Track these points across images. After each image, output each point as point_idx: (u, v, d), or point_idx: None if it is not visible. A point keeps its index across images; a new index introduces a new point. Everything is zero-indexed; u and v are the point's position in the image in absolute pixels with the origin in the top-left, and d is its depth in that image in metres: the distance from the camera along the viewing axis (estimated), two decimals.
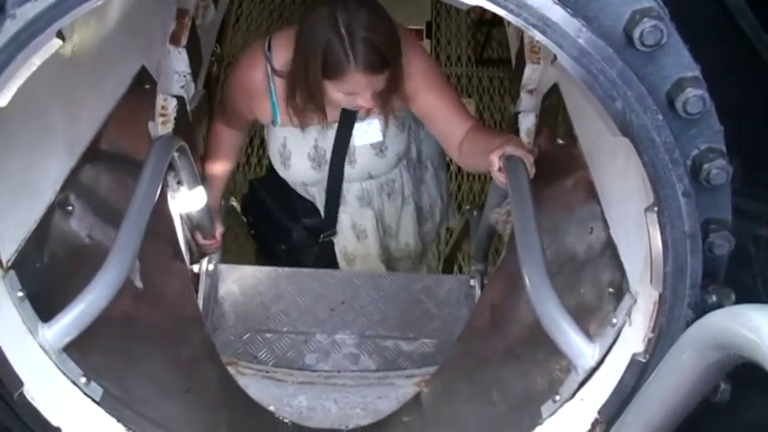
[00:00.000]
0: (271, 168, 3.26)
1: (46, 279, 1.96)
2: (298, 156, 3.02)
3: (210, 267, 3.11)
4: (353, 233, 3.29)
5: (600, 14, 1.38)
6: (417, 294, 3.14)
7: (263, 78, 2.85)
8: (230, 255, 3.56)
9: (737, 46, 1.86)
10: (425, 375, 2.67)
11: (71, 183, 2.14)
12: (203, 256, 3.22)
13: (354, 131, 2.92)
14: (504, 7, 1.29)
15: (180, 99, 2.90)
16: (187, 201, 2.90)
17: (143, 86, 2.70)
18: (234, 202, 3.82)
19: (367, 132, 2.92)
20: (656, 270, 1.54)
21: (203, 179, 3.10)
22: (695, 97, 1.40)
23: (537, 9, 1.30)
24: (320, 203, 3.20)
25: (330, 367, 2.91)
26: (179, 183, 2.83)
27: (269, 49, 2.84)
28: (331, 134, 2.94)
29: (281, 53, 2.79)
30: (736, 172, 1.51)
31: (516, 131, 2.87)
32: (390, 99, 2.76)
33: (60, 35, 1.36)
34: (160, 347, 2.32)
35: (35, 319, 1.83)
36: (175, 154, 2.59)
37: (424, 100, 2.80)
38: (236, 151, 3.25)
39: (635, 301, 1.75)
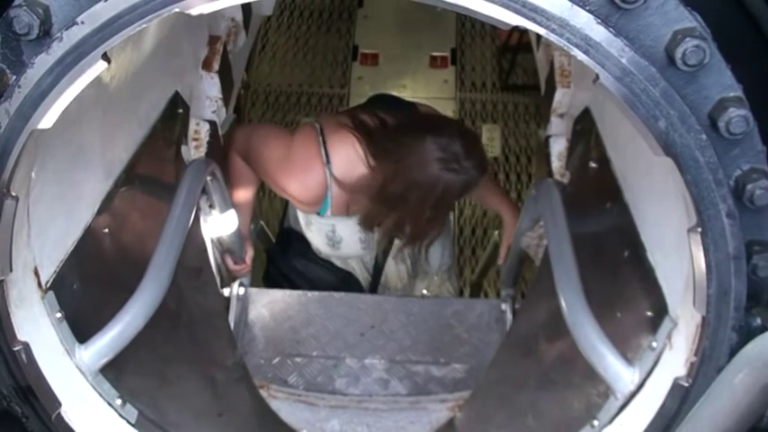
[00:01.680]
0: (284, 234, 3.42)
1: (82, 300, 1.97)
2: (349, 239, 3.13)
3: (241, 291, 3.11)
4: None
5: (642, 35, 1.38)
6: (448, 319, 3.12)
7: (319, 183, 2.91)
8: (259, 275, 3.58)
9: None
10: (458, 400, 2.64)
11: (107, 205, 2.16)
12: (233, 279, 3.22)
13: None
14: (547, 27, 1.29)
15: (212, 123, 2.93)
16: (219, 224, 2.91)
17: (176, 111, 2.72)
18: (263, 224, 3.83)
19: None
20: (699, 292, 1.52)
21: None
22: (738, 117, 1.39)
23: (580, 29, 1.30)
24: (357, 269, 3.38)
25: (360, 392, 2.89)
26: (211, 206, 2.84)
27: (326, 151, 2.89)
28: None
29: (342, 163, 2.89)
30: None
31: (547, 155, 2.86)
32: None
33: (106, 57, 1.38)
34: (193, 370, 2.32)
35: (72, 339, 1.85)
36: (208, 178, 2.61)
37: None
38: (256, 179, 3.25)
39: (675, 325, 1.72)
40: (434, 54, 6.78)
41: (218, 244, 3.08)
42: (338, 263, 3.40)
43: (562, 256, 2.11)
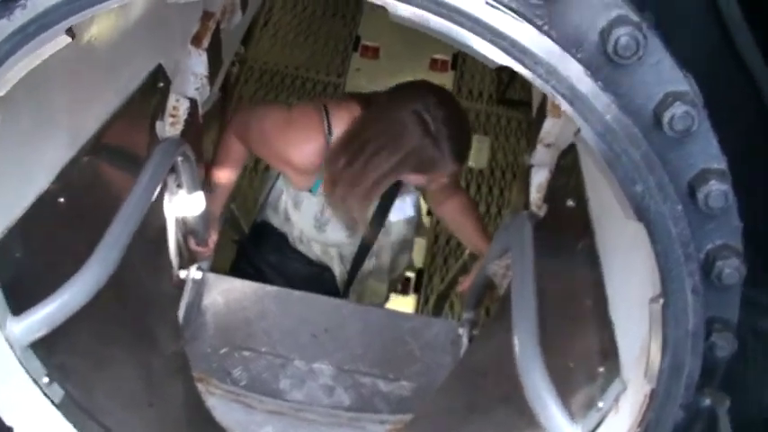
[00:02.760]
0: (258, 227, 3.37)
1: (24, 271, 1.89)
2: (335, 223, 3.09)
3: (198, 275, 3.04)
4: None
5: (632, 91, 1.32)
6: (403, 334, 3.06)
7: (319, 152, 2.88)
8: (221, 258, 3.50)
9: (762, 121, 1.81)
10: (398, 423, 2.59)
11: (67, 174, 2.08)
12: (193, 261, 3.15)
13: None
14: (533, 71, 1.23)
15: (192, 101, 2.85)
16: (185, 205, 2.84)
17: (157, 84, 2.64)
18: (233, 208, 3.76)
19: (402, 208, 3.10)
20: (652, 364, 1.47)
21: (208, 185, 3.07)
22: (718, 192, 1.34)
23: (567, 78, 1.24)
24: (335, 261, 3.28)
25: (303, 396, 2.83)
26: (179, 186, 2.77)
27: (329, 127, 2.87)
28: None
29: (341, 128, 2.87)
30: (748, 257, 1.45)
31: (527, 184, 2.81)
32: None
33: (71, 32, 1.30)
34: (131, 355, 2.24)
35: (5, 310, 1.77)
36: (179, 158, 2.53)
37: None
38: (244, 162, 3.23)
39: (624, 389, 1.68)
40: (436, 57, 6.71)
41: (183, 224, 3.00)
42: (316, 255, 3.31)
43: (523, 294, 2.06)
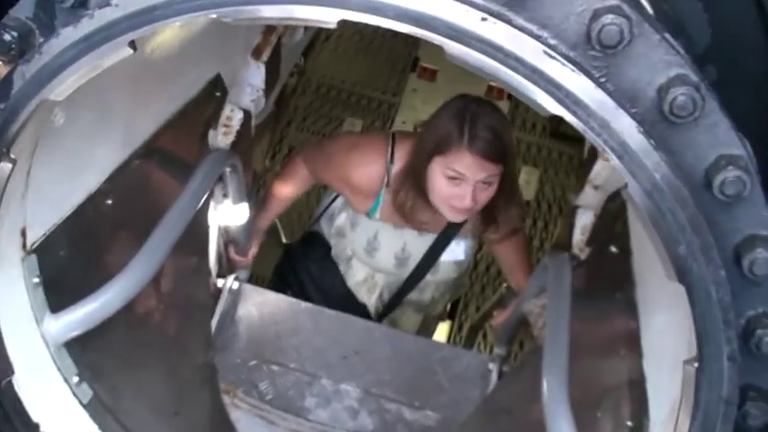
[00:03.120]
0: (309, 236, 3.38)
1: (67, 269, 1.93)
2: (386, 251, 3.10)
3: (234, 285, 3.06)
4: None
5: (685, 151, 1.30)
6: (433, 364, 3.04)
7: (379, 176, 2.90)
8: (262, 266, 3.54)
9: None
10: None
11: (117, 176, 2.12)
12: (232, 271, 3.18)
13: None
14: (586, 123, 1.22)
15: (246, 113, 2.88)
16: (229, 215, 2.87)
17: (214, 93, 2.68)
18: (276, 220, 3.78)
19: (454, 251, 3.07)
20: (681, 428, 1.44)
21: (254, 196, 3.12)
22: (764, 259, 1.32)
23: (619, 133, 1.23)
24: (377, 289, 3.25)
25: (327, 416, 2.83)
26: (225, 195, 2.80)
27: (392, 151, 2.89)
28: (422, 242, 3.03)
29: (404, 156, 2.86)
30: None
31: (571, 225, 2.78)
32: (491, 219, 2.90)
33: (133, 45, 1.33)
34: (161, 361, 2.27)
35: (44, 307, 1.80)
36: (227, 169, 2.56)
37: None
38: (305, 188, 3.28)
39: None
40: (493, 84, 6.69)
41: (225, 233, 3.04)
42: (358, 279, 3.29)
43: (557, 338, 2.04)
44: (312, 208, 5.68)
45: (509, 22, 1.18)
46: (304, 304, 3.15)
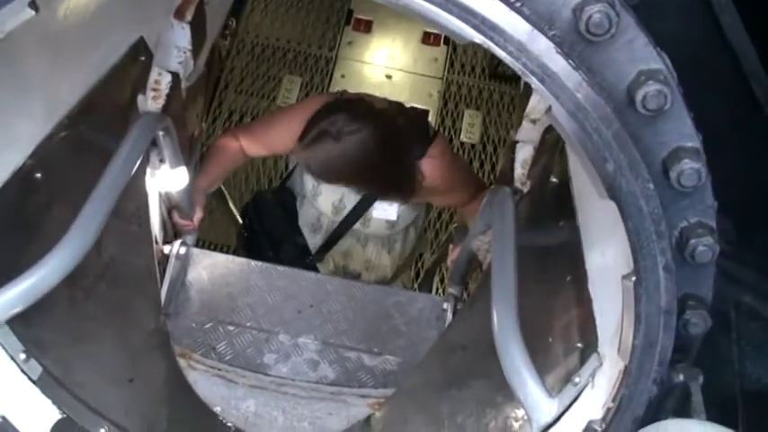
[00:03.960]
0: (282, 185, 3.54)
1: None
2: (325, 198, 3.24)
3: (182, 250, 3.02)
4: (339, 258, 3.48)
5: (605, 69, 1.31)
6: (389, 309, 3.06)
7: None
8: (210, 234, 3.52)
9: (745, 99, 1.80)
10: (380, 398, 2.60)
11: (43, 149, 2.05)
12: (178, 236, 3.14)
13: (376, 205, 3.19)
14: (504, 48, 1.21)
15: (175, 75, 2.81)
16: (168, 180, 2.82)
17: (138, 57, 2.61)
18: (223, 187, 3.75)
19: (386, 210, 3.20)
20: (625, 341, 1.47)
21: (200, 167, 3.14)
22: (691, 170, 1.33)
23: (537, 56, 1.22)
24: (322, 231, 3.37)
25: (288, 370, 2.84)
26: (161, 161, 2.75)
27: None
28: (356, 198, 3.18)
29: None
30: (726, 233, 1.45)
31: (512, 160, 2.79)
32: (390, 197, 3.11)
33: (34, 5, 1.27)
34: (111, 330, 2.24)
35: None
36: (160, 132, 2.51)
37: (451, 198, 3.30)
38: (240, 163, 3.35)
39: (600, 364, 1.68)
40: (429, 30, 6.65)
41: (166, 199, 2.99)
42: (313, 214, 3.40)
43: (503, 270, 2.05)
44: (260, 173, 5.67)
45: None
46: (254, 263, 3.13)
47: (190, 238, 3.16)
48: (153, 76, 2.74)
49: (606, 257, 1.81)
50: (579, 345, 1.87)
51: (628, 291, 1.42)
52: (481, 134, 6.37)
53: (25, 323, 1.86)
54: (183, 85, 2.95)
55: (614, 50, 1.29)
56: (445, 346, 2.67)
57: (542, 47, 1.23)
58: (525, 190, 2.67)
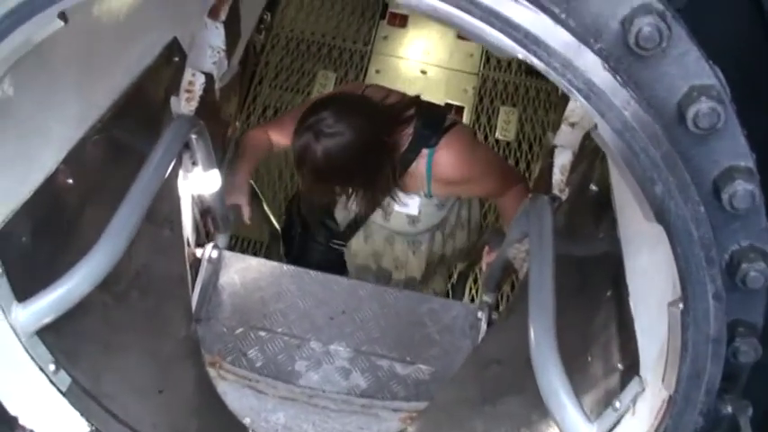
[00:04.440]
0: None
1: (31, 255, 1.86)
2: None
3: (214, 254, 2.99)
4: (369, 257, 3.46)
5: (654, 84, 1.24)
6: (422, 316, 3.00)
7: None
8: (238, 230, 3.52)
9: None
10: (412, 412, 2.54)
11: (76, 153, 2.03)
12: (210, 238, 3.12)
13: (398, 199, 3.06)
14: (548, 64, 1.15)
15: (208, 76, 2.79)
16: (201, 182, 2.79)
17: (172, 58, 2.58)
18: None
19: (407, 204, 3.09)
20: (671, 369, 1.40)
21: (235, 162, 3.12)
22: (744, 191, 1.26)
23: (583, 72, 1.16)
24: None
25: (319, 378, 2.80)
26: (194, 163, 2.72)
27: None
28: None
29: None
30: None
31: (550, 165, 2.72)
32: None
33: (63, 17, 1.24)
34: (141, 339, 2.22)
35: (10, 297, 1.74)
36: (193, 136, 2.48)
37: (474, 190, 3.16)
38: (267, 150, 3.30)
39: (643, 390, 1.61)
40: None
41: (199, 201, 2.97)
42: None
43: (541, 283, 1.99)
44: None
45: None
46: (286, 267, 3.10)
47: (222, 241, 3.13)
48: (186, 77, 2.71)
49: (649, 276, 1.74)
50: (620, 366, 1.80)
51: (674, 318, 1.35)
52: (517, 131, 6.27)
53: (55, 333, 1.84)
54: (217, 85, 2.93)
55: (665, 65, 1.22)
56: (480, 359, 2.61)
57: (588, 62, 1.16)
58: (564, 197, 2.59)
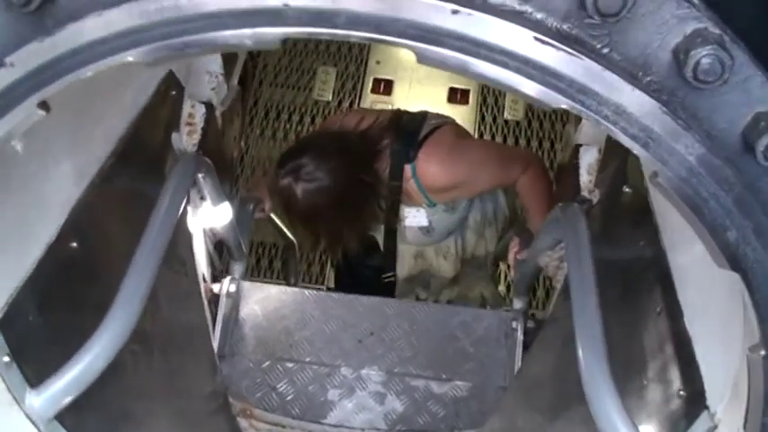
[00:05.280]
0: None
1: (41, 334, 1.74)
2: None
3: (232, 288, 2.87)
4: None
5: (713, 115, 1.09)
6: (453, 329, 2.88)
7: None
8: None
9: None
10: None
11: (77, 214, 1.90)
12: (226, 269, 3.00)
13: (405, 214, 3.09)
14: (598, 113, 1.01)
15: (208, 105, 2.65)
16: (211, 216, 2.67)
17: (169, 93, 2.45)
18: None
19: (416, 217, 3.09)
20: (753, 417, 1.27)
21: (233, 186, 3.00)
22: None
23: (638, 118, 1.01)
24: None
25: (353, 406, 2.68)
26: (202, 198, 2.59)
27: None
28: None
29: None
30: None
31: (576, 166, 2.57)
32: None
33: (44, 106, 1.11)
34: (166, 402, 2.09)
35: (23, 386, 1.61)
36: (200, 175, 2.34)
37: (473, 189, 3.03)
38: None
39: (715, 427, 1.48)
40: (455, 86, 6.17)
41: (211, 234, 2.84)
42: None
43: (585, 305, 1.84)
44: None
45: (485, 8, 0.95)
46: (307, 292, 2.98)
47: (238, 270, 3.01)
48: (186, 109, 2.58)
49: (707, 300, 1.61)
50: (682, 392, 1.67)
51: (756, 365, 1.22)
52: (525, 111, 6.10)
53: (75, 413, 1.72)
54: (218, 111, 2.79)
55: (724, 93, 1.08)
56: (524, 384, 2.48)
57: (642, 104, 1.02)
58: (594, 199, 2.45)
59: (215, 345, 2.71)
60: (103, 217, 2.05)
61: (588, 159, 2.55)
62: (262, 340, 2.83)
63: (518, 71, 0.98)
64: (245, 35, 0.99)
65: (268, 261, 5.23)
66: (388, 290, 3.41)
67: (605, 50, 1.06)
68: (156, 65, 1.06)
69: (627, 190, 2.25)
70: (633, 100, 1.02)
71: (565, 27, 1.05)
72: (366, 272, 3.40)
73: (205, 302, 2.62)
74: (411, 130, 2.92)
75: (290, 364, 2.78)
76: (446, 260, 3.37)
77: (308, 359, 2.80)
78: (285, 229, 3.81)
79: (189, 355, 2.31)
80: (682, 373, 1.70)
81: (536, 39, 0.97)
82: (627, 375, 1.91)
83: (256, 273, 5.12)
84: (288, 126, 5.87)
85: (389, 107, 5.89)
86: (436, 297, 3.60)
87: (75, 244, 1.90)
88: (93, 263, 1.97)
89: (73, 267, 1.89)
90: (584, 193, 2.49)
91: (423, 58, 0.98)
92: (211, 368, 2.43)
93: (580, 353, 1.80)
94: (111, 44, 1.03)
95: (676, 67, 1.06)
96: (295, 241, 3.83)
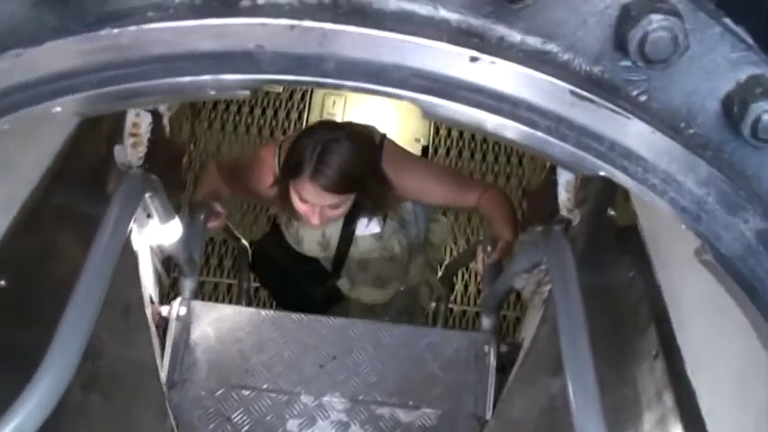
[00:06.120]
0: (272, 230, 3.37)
1: None
2: (308, 241, 3.07)
3: (182, 311, 2.64)
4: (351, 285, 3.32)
5: (762, 172, 0.93)
6: (421, 352, 2.71)
7: (270, 186, 2.81)
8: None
9: None
10: None
11: (4, 247, 1.67)
12: (174, 294, 2.78)
13: (358, 225, 3.00)
14: (643, 182, 0.83)
15: (155, 113, 2.41)
16: (160, 234, 2.44)
17: None
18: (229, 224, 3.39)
19: (368, 226, 3.02)
20: None
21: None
22: None
23: (690, 189, 0.84)
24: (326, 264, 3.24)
25: None
26: (149, 216, 2.36)
27: (279, 155, 2.81)
28: (335, 226, 2.97)
29: None
30: None
31: (553, 183, 2.40)
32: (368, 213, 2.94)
33: None
34: None
35: None
36: (147, 195, 2.11)
37: (429, 197, 3.02)
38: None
39: None
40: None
41: (158, 250, 2.62)
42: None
43: (576, 350, 1.68)
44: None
45: (509, 55, 0.76)
46: (264, 312, 2.76)
47: (189, 287, 2.78)
48: (129, 119, 2.33)
49: (713, 341, 1.46)
50: None
51: None
52: None
53: None
54: (166, 118, 2.55)
55: None
56: (503, 424, 2.32)
57: (701, 174, 0.84)
58: (575, 221, 2.29)
59: (163, 374, 2.49)
60: (37, 248, 1.82)
61: (567, 176, 2.37)
62: (215, 366, 2.61)
63: (548, 131, 0.80)
64: (207, 83, 0.79)
65: (218, 259, 5.03)
66: (334, 293, 3.33)
67: (642, 98, 0.89)
68: (92, 115, 0.85)
69: (612, 213, 2.09)
70: (684, 167, 0.84)
71: (596, 71, 0.87)
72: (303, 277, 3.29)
73: (153, 330, 2.39)
74: (371, 138, 2.85)
75: (245, 392, 2.58)
76: (390, 263, 3.23)
77: (265, 386, 2.60)
78: (238, 234, 3.60)
79: (135, 398, 2.09)
80: (684, 427, 1.55)
81: (572, 92, 0.78)
82: (619, 424, 1.76)
83: (206, 272, 4.91)
84: (237, 118, 5.67)
85: (342, 99, 5.77)
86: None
87: (2, 282, 1.67)
88: (26, 302, 1.73)
89: (5, 308, 1.66)
90: (563, 212, 2.32)
91: (430, 114, 0.80)
92: (161, 411, 2.21)
93: (573, 404, 1.64)
94: (34, 90, 0.82)
95: (724, 119, 0.89)
96: (247, 245, 3.64)
